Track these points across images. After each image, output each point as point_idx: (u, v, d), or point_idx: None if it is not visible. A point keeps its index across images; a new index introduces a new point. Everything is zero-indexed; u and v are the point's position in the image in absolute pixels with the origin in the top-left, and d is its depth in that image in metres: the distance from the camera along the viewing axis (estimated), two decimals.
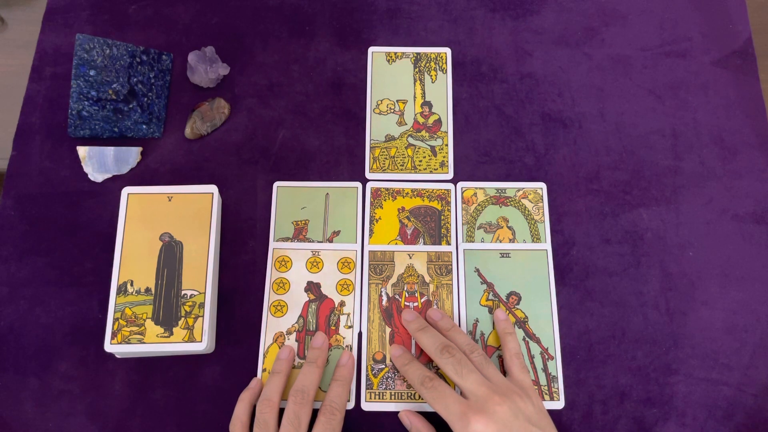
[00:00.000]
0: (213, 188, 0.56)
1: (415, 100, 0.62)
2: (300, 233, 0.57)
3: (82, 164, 0.58)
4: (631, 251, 0.57)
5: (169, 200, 0.55)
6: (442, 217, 0.58)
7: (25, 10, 1.29)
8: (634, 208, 0.58)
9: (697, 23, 0.65)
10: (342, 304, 0.55)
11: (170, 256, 0.53)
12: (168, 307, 0.52)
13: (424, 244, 0.57)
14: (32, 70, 0.63)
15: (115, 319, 0.51)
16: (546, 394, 0.52)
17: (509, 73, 0.63)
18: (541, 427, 0.46)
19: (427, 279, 0.56)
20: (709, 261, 0.57)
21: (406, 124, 0.61)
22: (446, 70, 0.63)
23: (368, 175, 0.59)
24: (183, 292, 0.52)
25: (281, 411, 0.49)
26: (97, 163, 0.58)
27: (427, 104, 0.62)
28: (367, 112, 0.62)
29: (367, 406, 0.52)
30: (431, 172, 0.60)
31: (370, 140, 0.61)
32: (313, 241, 0.57)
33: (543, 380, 0.53)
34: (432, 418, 0.50)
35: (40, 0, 1.29)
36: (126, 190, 0.55)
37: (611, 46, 0.65)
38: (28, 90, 0.62)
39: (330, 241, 0.57)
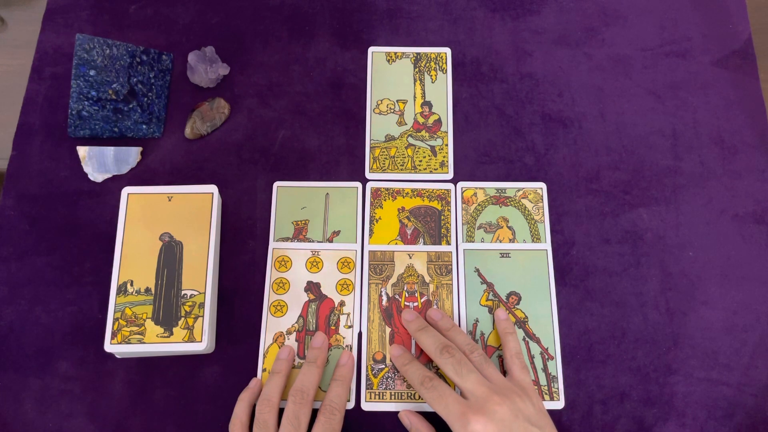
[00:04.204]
0: (213, 188, 0.56)
1: (415, 100, 0.62)
2: (300, 233, 0.57)
3: (82, 164, 0.58)
4: (631, 251, 0.57)
5: (169, 200, 0.55)
6: (442, 217, 0.58)
7: (25, 10, 1.29)
8: (634, 208, 0.58)
9: (697, 23, 0.65)
10: (342, 303, 0.55)
11: (170, 256, 0.53)
12: (168, 307, 0.52)
13: (424, 244, 0.57)
14: (32, 70, 0.63)
15: (115, 319, 0.51)
16: (546, 394, 0.52)
17: (509, 73, 0.63)
18: (540, 427, 0.46)
19: (427, 279, 0.56)
20: (709, 261, 0.57)
21: (406, 124, 0.61)
22: (446, 70, 0.63)
23: (368, 175, 0.59)
24: (183, 292, 0.52)
25: (281, 411, 0.49)
26: (97, 163, 0.58)
27: (427, 104, 0.62)
28: (367, 112, 0.62)
29: (367, 406, 0.52)
30: (431, 172, 0.60)
31: (370, 140, 0.61)
32: (313, 241, 0.57)
33: (543, 380, 0.53)
34: (432, 418, 0.50)
35: (40, 0, 1.29)
36: (126, 190, 0.55)
37: (611, 46, 0.65)
38: (28, 90, 0.62)
39: (330, 241, 0.57)
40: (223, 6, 0.65)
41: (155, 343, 0.51)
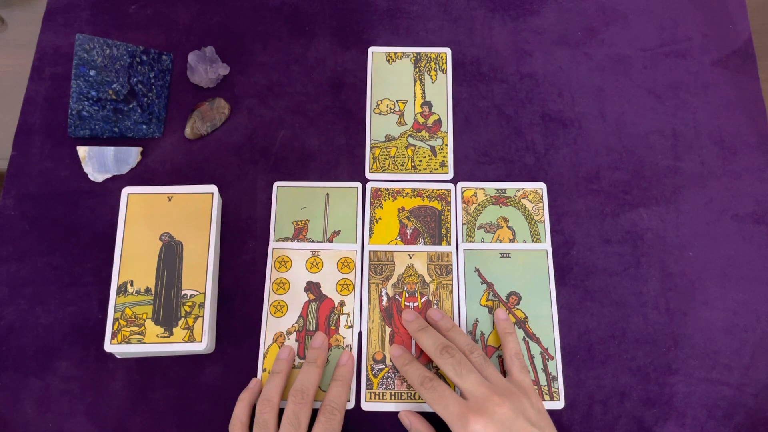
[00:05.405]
0: (213, 188, 0.56)
1: (415, 100, 0.62)
2: (300, 233, 0.57)
3: (82, 164, 0.58)
4: (631, 251, 0.57)
5: (169, 200, 0.55)
6: (442, 217, 0.58)
7: (25, 10, 1.29)
8: (634, 208, 0.58)
9: (697, 23, 0.65)
10: (342, 304, 0.55)
11: (170, 256, 0.53)
12: (168, 307, 0.52)
13: (424, 244, 0.57)
14: (32, 70, 0.63)
15: (115, 319, 0.51)
16: (546, 394, 0.52)
17: (509, 73, 0.63)
18: (540, 427, 0.46)
19: (427, 279, 0.56)
20: (709, 261, 0.57)
21: (406, 124, 0.61)
22: (446, 70, 0.63)
23: (368, 175, 0.59)
24: (183, 292, 0.52)
25: (281, 411, 0.49)
26: (97, 163, 0.58)
27: (427, 104, 0.62)
28: (367, 112, 0.62)
29: (367, 406, 0.52)
30: (431, 172, 0.60)
31: (370, 140, 0.61)
32: (313, 241, 0.57)
33: (543, 380, 0.53)
34: (432, 418, 0.50)
35: (40, 0, 1.29)
36: (126, 190, 0.55)
37: (611, 46, 0.65)
38: (28, 90, 0.62)
39: (330, 241, 0.57)
40: (223, 6, 0.65)
41: (155, 343, 0.51)
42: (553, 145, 0.61)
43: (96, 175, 0.58)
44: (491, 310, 0.55)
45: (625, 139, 0.61)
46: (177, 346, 0.51)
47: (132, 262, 0.53)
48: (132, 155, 0.59)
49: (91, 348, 0.53)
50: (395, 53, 0.64)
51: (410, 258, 0.56)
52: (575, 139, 0.61)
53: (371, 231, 0.57)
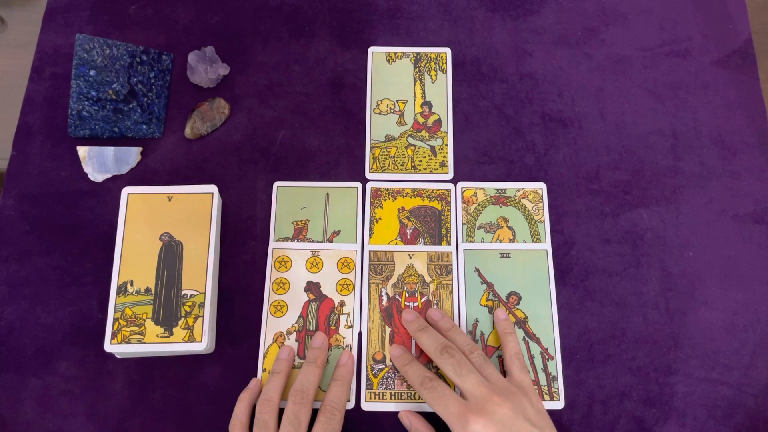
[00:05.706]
0: (213, 188, 0.56)
1: (415, 100, 0.62)
2: (300, 233, 0.57)
3: (82, 164, 0.58)
4: (631, 251, 0.57)
5: (169, 200, 0.55)
6: (442, 217, 0.58)
7: (25, 10, 1.29)
8: (634, 208, 0.58)
9: (697, 23, 0.66)
10: (342, 303, 0.55)
11: (170, 256, 0.53)
12: (168, 307, 0.52)
13: (424, 244, 0.57)
14: (32, 70, 0.63)
15: (115, 319, 0.51)
16: (546, 394, 0.52)
17: (509, 73, 0.63)
18: (540, 427, 0.46)
19: (427, 279, 0.56)
20: (709, 261, 0.57)
21: (406, 124, 0.61)
22: (446, 70, 0.63)
23: (368, 175, 0.59)
24: (183, 292, 0.52)
25: (281, 411, 0.49)
26: (97, 163, 0.58)
27: (427, 104, 0.62)
28: (367, 112, 0.62)
29: (367, 406, 0.52)
30: (431, 172, 0.60)
31: (370, 140, 0.61)
32: (313, 241, 0.57)
33: (543, 380, 0.53)
34: (432, 418, 0.50)
35: (40, 0, 1.29)
36: (126, 190, 0.55)
37: (611, 46, 0.65)
38: (28, 90, 0.62)
39: (330, 241, 0.57)
40: (223, 6, 0.65)
41: (155, 343, 0.51)
42: (553, 145, 0.61)
43: (96, 175, 0.58)
44: (491, 310, 0.55)
45: (625, 139, 0.61)
46: (177, 346, 0.51)
47: (132, 262, 0.53)
48: (132, 155, 0.59)
49: (91, 348, 0.53)
50: (395, 53, 0.64)
51: (410, 258, 0.56)
52: (575, 139, 0.61)
53: (371, 231, 0.57)
